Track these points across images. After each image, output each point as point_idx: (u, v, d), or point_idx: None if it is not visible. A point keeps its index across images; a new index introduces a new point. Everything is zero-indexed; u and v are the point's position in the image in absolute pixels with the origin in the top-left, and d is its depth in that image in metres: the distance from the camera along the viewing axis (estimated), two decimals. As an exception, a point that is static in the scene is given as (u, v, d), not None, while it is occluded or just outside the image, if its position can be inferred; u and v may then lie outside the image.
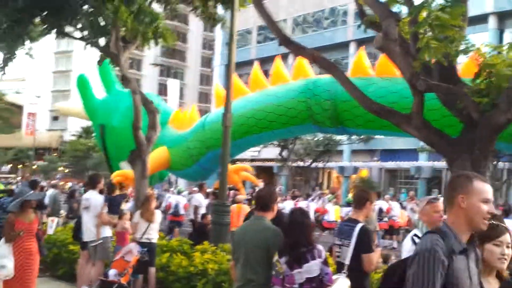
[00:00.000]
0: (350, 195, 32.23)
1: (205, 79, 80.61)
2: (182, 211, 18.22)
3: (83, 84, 21.25)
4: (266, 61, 52.22)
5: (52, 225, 11.01)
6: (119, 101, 20.08)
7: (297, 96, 16.19)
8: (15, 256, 7.33)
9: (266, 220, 5.17)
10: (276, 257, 4.93)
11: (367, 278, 5.49)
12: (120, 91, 20.86)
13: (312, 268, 4.77)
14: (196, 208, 15.98)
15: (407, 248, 5.17)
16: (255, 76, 18.25)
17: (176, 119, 19.70)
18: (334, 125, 15.91)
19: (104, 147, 20.40)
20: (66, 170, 60.70)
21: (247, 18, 44.33)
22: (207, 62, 79.65)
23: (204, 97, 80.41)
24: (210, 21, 14.58)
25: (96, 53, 15.40)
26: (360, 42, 42.61)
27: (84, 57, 38.49)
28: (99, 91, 21.82)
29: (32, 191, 7.84)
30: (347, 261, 5.38)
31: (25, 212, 7.46)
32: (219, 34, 49.46)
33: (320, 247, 4.91)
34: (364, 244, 5.28)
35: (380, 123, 15.51)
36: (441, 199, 5.03)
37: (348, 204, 18.87)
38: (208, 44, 79.63)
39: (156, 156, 16.81)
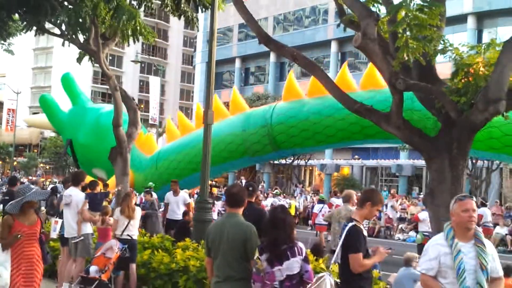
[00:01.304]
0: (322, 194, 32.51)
1: (186, 77, 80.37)
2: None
3: (46, 102, 21.57)
4: (247, 59, 52.38)
5: (56, 227, 9.84)
6: (84, 116, 20.58)
7: (234, 130, 16.97)
8: (14, 263, 6.36)
9: (239, 216, 5.25)
10: (256, 254, 4.98)
11: (362, 280, 5.03)
12: (86, 106, 21.36)
13: (292, 265, 4.80)
14: (166, 205, 15.94)
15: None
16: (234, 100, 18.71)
17: (139, 141, 19.43)
18: (274, 149, 16.35)
19: (74, 157, 20.67)
20: (47, 167, 60.14)
21: (228, 15, 44.29)
22: (188, 59, 79.44)
23: (185, 95, 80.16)
24: (183, 18, 14.56)
25: (76, 50, 15.31)
26: (341, 41, 42.92)
27: (64, 54, 38.16)
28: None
29: (34, 189, 6.70)
30: (339, 260, 5.22)
31: (26, 213, 6.44)
32: (200, 31, 49.33)
33: (300, 244, 4.94)
34: (350, 243, 4.96)
35: (317, 139, 16.20)
36: (472, 196, 4.75)
37: (320, 201, 19.10)
38: (189, 42, 79.36)
39: None
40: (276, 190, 27.34)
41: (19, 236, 6.24)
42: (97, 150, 18.81)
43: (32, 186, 7.22)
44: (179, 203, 14.01)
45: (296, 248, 4.85)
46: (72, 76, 21.08)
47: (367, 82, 15.73)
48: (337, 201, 17.47)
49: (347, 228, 5.03)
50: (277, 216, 5.02)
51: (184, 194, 14.47)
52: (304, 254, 4.87)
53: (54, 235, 9.69)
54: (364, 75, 16.22)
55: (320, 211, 17.95)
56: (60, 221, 9.69)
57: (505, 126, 12.88)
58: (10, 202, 6.59)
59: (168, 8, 13.98)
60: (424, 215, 14.96)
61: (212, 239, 5.22)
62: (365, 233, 5.18)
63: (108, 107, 21.17)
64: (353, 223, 5.05)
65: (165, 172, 18.90)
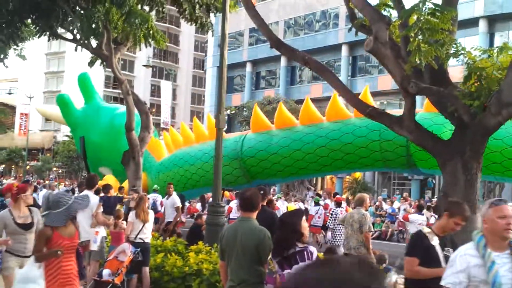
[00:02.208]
0: (347, 196, 32.46)
1: (198, 81, 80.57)
2: (159, 208, 18.70)
3: (64, 101, 22.05)
4: (258, 63, 52.45)
5: (97, 238, 9.13)
6: (98, 115, 20.98)
7: (208, 160, 17.12)
8: (50, 279, 5.58)
9: (253, 220, 5.25)
10: (270, 256, 5.01)
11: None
12: (100, 105, 22.03)
13: None
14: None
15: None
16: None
17: (152, 145, 19.67)
18: (248, 180, 16.58)
19: (84, 155, 21.01)
20: (60, 171, 60.53)
21: (239, 20, 44.41)
22: (199, 64, 79.62)
23: (196, 99, 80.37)
24: (198, 24, 14.66)
25: (88, 54, 15.43)
26: (352, 45, 42.87)
27: (76, 58, 38.42)
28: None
29: (73, 197, 5.96)
30: None
31: (65, 224, 5.67)
32: (211, 36, 49.54)
33: (311, 248, 4.94)
34: (407, 247, 5.15)
35: (290, 171, 16.60)
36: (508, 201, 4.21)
37: (316, 204, 19.33)
38: (200, 46, 79.58)
39: None
40: (277, 194, 27.20)
41: (59, 252, 5.48)
42: (108, 149, 19.30)
43: (69, 194, 6.81)
44: (168, 206, 14.30)
45: (306, 252, 4.84)
46: (88, 75, 21.52)
47: (332, 113, 15.90)
48: (332, 203, 17.79)
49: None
50: (284, 220, 5.04)
51: (174, 197, 14.67)
52: (314, 259, 4.85)
53: (94, 247, 9.31)
54: (328, 105, 16.34)
55: (317, 213, 18.15)
56: (100, 231, 9.52)
57: (506, 151, 13.00)
58: (48, 212, 5.73)
59: (185, 14, 14.08)
60: (415, 217, 15.02)
61: (225, 243, 5.23)
62: (435, 242, 4.86)
63: (123, 108, 21.11)
64: (421, 229, 4.94)
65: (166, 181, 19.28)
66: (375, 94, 41.97)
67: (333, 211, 15.07)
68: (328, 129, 15.64)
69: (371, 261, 1.51)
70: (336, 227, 13.70)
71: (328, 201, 19.90)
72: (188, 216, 20.03)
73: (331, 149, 15.41)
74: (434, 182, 37.48)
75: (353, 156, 15.28)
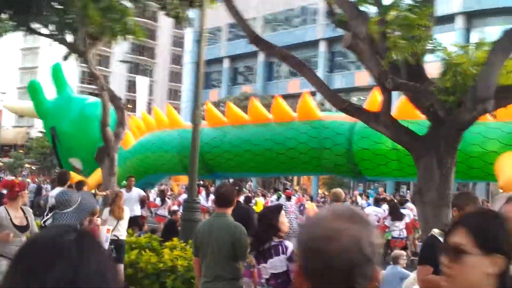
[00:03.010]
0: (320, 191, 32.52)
1: (175, 76, 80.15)
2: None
3: (35, 88, 22.09)
4: (236, 59, 52.34)
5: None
6: (69, 106, 21.03)
7: (170, 149, 18.02)
8: None
9: (229, 216, 5.23)
10: (248, 249, 5.00)
11: None
12: (71, 96, 22.19)
13: (275, 264, 4.78)
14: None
15: None
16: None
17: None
18: (207, 172, 17.03)
19: (55, 146, 21.17)
20: (33, 167, 59.73)
21: (217, 15, 44.07)
22: (176, 59, 79.20)
23: (173, 94, 79.95)
24: (178, 19, 14.52)
25: (63, 50, 15.21)
26: (330, 41, 43.02)
27: (51, 54, 37.93)
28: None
29: (81, 199, 5.54)
30: None
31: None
32: (189, 31, 49.22)
33: (287, 243, 4.92)
34: (419, 254, 4.81)
35: (243, 168, 17.21)
36: None
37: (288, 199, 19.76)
38: (178, 41, 79.12)
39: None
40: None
41: None
42: (79, 139, 19.52)
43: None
44: (132, 199, 13.82)
45: (280, 247, 4.83)
46: (61, 66, 21.57)
47: (302, 112, 16.04)
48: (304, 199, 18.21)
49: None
50: (262, 215, 5.05)
51: (137, 189, 14.42)
52: (289, 253, 4.82)
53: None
54: (298, 105, 16.53)
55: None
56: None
57: (485, 156, 13.13)
58: (55, 213, 5.18)
59: (167, 8, 13.92)
60: (371, 209, 15.43)
61: (200, 239, 5.19)
62: None
63: (93, 99, 21.90)
64: (433, 233, 4.46)
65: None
66: (352, 90, 42.45)
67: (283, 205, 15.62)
68: (298, 129, 15.89)
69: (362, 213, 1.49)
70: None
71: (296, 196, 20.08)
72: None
73: (277, 152, 15.81)
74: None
75: (296, 160, 15.68)
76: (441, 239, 4.17)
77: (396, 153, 13.52)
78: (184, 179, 19.97)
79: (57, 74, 21.71)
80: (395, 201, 17.35)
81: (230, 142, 16.74)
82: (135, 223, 13.51)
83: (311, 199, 16.48)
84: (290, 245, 4.92)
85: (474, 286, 1.81)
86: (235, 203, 5.46)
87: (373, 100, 14.24)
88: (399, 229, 14.31)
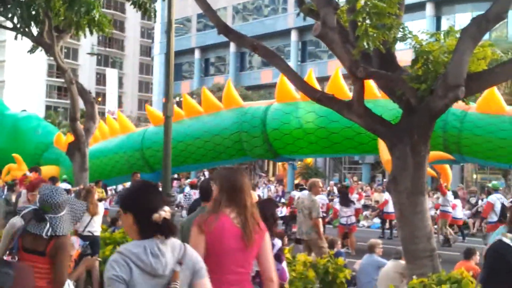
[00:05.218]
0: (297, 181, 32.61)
1: (145, 68, 79.34)
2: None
3: None
4: (206, 49, 51.96)
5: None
6: (2, 121, 21.55)
7: (117, 151, 18.32)
8: None
9: None
10: None
11: None
12: (4, 112, 22.26)
13: None
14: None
15: None
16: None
17: (59, 140, 20.41)
18: (151, 171, 17.60)
19: None
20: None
21: (186, 5, 43.75)
22: (146, 51, 78.35)
23: (144, 87, 79.21)
24: (142, 10, 14.25)
25: (29, 43, 14.90)
26: (301, 30, 42.97)
27: (18, 47, 37.19)
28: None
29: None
30: None
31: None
32: (158, 22, 48.74)
33: (276, 241, 4.82)
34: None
35: (177, 160, 16.42)
36: None
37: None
38: (147, 33, 78.30)
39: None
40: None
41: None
42: (13, 153, 19.76)
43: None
44: None
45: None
46: None
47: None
48: (298, 194, 17.71)
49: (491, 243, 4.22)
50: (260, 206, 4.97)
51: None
52: (274, 251, 4.70)
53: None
54: (223, 95, 17.30)
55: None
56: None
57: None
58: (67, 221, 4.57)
59: None
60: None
61: (185, 234, 5.11)
62: None
63: (25, 113, 23.15)
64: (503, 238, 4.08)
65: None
66: (325, 79, 42.31)
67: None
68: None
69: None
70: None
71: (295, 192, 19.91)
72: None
73: (205, 140, 16.42)
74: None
75: (220, 147, 16.29)
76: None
77: (302, 131, 15.18)
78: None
79: None
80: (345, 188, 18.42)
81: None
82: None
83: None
84: (278, 242, 4.84)
85: None
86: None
87: (333, 85, 14.83)
88: (347, 215, 14.85)
